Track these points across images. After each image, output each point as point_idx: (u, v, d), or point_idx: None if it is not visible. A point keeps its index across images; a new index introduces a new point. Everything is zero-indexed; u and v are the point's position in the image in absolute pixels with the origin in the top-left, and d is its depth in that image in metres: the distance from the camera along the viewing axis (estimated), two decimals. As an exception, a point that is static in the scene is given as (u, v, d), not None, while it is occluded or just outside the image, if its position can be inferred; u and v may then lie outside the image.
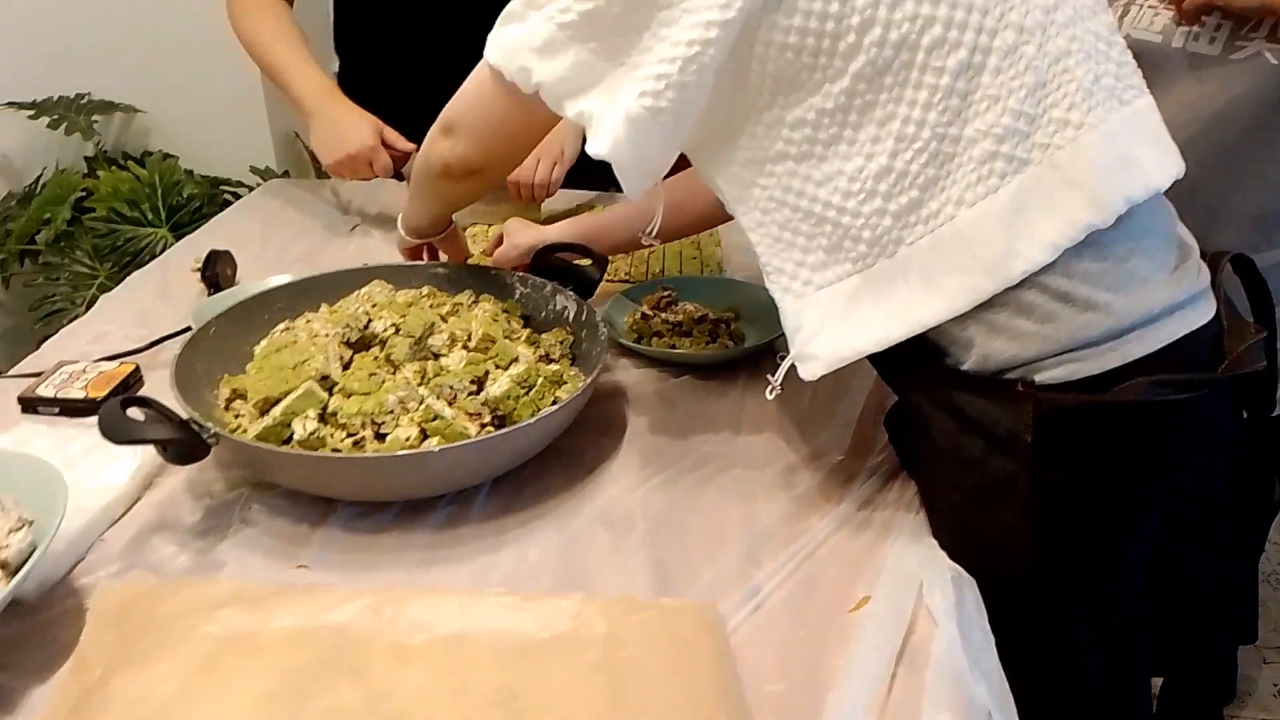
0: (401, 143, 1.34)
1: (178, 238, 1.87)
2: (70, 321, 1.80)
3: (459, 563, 0.80)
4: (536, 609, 0.69)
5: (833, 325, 0.76)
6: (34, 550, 0.68)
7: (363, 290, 0.97)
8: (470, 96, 0.88)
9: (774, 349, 1.08)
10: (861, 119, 0.72)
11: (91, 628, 0.68)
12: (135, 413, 0.78)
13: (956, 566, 0.77)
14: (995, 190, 0.71)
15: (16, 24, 2.12)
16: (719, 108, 0.75)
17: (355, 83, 1.49)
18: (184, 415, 0.78)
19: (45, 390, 1.00)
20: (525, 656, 0.65)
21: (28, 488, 0.73)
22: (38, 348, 1.15)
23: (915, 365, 0.81)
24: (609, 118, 0.76)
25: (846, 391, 1.03)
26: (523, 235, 1.14)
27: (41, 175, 2.14)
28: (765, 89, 0.73)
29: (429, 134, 0.94)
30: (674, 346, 1.08)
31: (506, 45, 0.80)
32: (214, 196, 2.02)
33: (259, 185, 2.04)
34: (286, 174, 2.23)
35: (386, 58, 1.52)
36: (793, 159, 0.75)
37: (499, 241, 1.17)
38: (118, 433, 0.74)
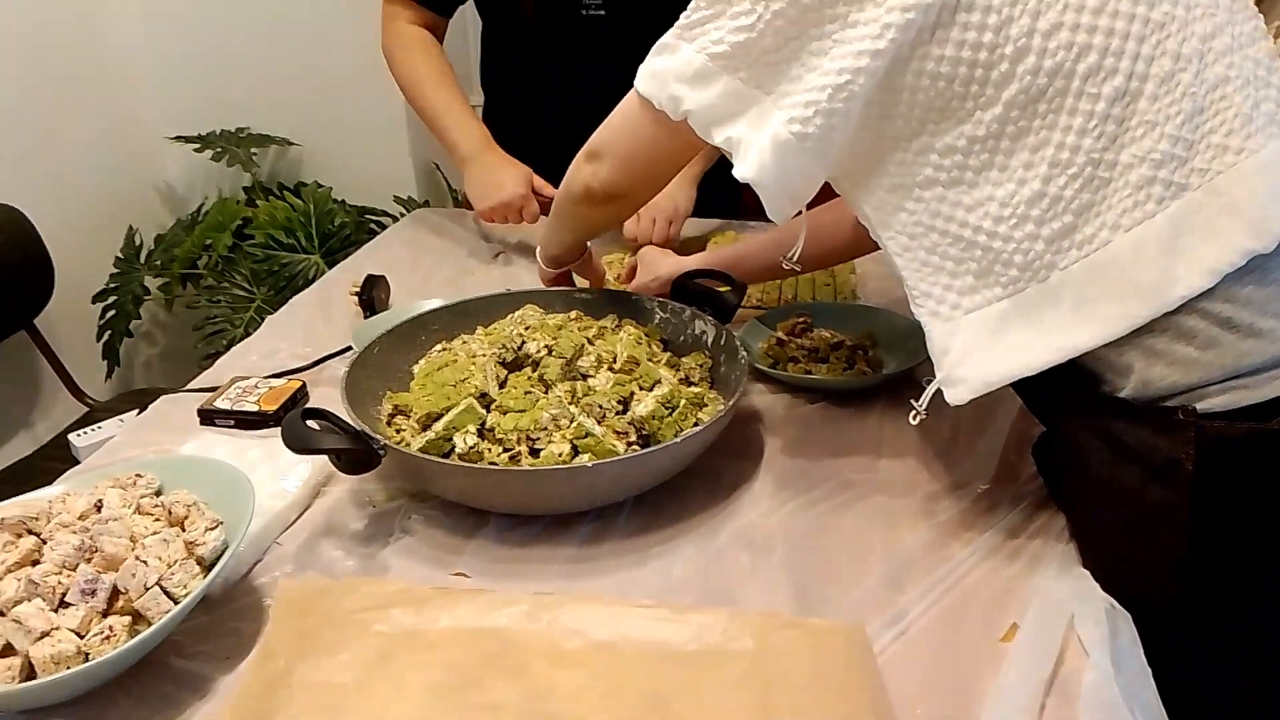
0: (549, 190, 1.40)
1: (329, 263, 1.99)
2: (229, 341, 1.94)
3: (604, 575, 0.83)
4: (685, 621, 0.71)
5: (981, 350, 0.76)
6: (226, 548, 0.74)
7: (516, 313, 1.02)
8: (618, 123, 0.93)
9: (913, 376, 1.08)
10: (1014, 145, 0.72)
11: (275, 621, 0.74)
12: (312, 425, 0.84)
13: (1110, 599, 0.76)
14: (1152, 215, 0.70)
15: (182, 63, 2.30)
16: (867, 135, 0.77)
17: (499, 117, 1.56)
18: (356, 428, 0.84)
19: (222, 403, 1.08)
20: (676, 665, 0.67)
21: (219, 491, 0.79)
22: (199, 365, 1.25)
23: (1069, 393, 0.80)
24: (756, 143, 0.78)
25: (990, 420, 1.02)
26: (662, 265, 1.17)
27: (203, 204, 2.30)
28: (915, 116, 0.74)
29: (574, 161, 0.98)
30: (809, 372, 1.09)
31: (658, 74, 0.84)
32: (361, 224, 2.13)
33: (401, 214, 2.15)
34: (427, 203, 2.34)
35: (530, 95, 1.59)
36: (942, 184, 0.75)
37: (632, 271, 1.21)
38: (299, 442, 0.80)
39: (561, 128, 1.36)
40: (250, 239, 2.02)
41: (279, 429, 1.02)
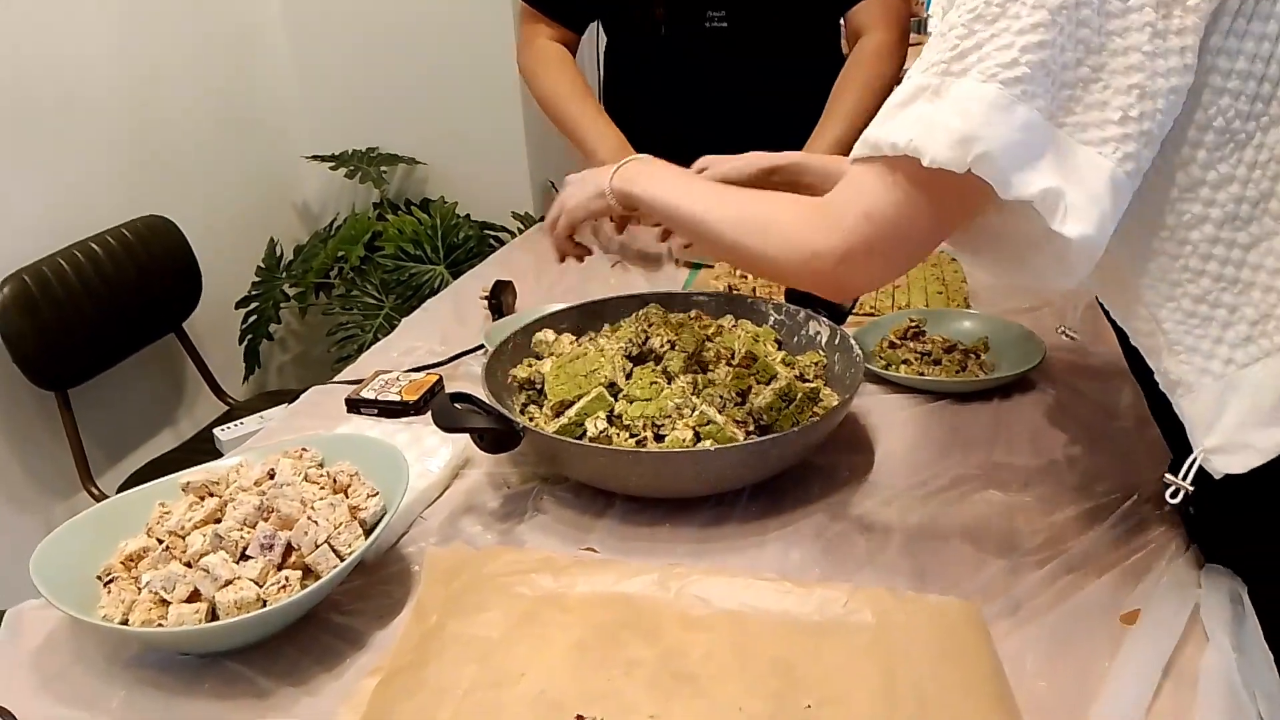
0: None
1: (453, 274, 2.10)
2: (359, 346, 2.05)
3: (727, 555, 0.87)
4: (808, 594, 0.75)
5: (1266, 408, 0.67)
6: (385, 513, 0.81)
7: (640, 312, 1.07)
8: (885, 212, 0.68)
9: (1028, 380, 1.10)
10: None
11: (426, 583, 0.81)
12: (459, 406, 0.91)
13: (1240, 583, 0.76)
14: None
15: (320, 88, 2.46)
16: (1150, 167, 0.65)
17: (624, 129, 1.63)
18: (499, 410, 0.90)
19: (367, 394, 1.16)
20: (800, 634, 0.71)
21: (375, 465, 0.87)
22: (331, 368, 1.33)
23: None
24: (1083, 194, 0.62)
25: (1113, 428, 1.03)
26: (765, 157, 1.11)
27: (336, 219, 2.44)
28: (1188, 139, 0.64)
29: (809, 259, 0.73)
30: (923, 374, 1.12)
31: (927, 124, 0.64)
32: (483, 238, 2.24)
33: (520, 229, 2.25)
34: (543, 218, 2.43)
35: (655, 106, 1.66)
36: (1213, 222, 0.66)
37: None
38: (448, 420, 0.87)
39: (685, 133, 1.42)
40: (380, 250, 2.14)
41: (420, 416, 1.12)
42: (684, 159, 1.07)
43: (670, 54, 1.60)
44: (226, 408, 2.12)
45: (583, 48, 1.69)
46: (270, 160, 2.42)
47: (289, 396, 1.36)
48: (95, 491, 1.82)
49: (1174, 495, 0.71)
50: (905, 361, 1.15)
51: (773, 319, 1.14)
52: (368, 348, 2.03)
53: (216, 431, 1.73)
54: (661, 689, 0.66)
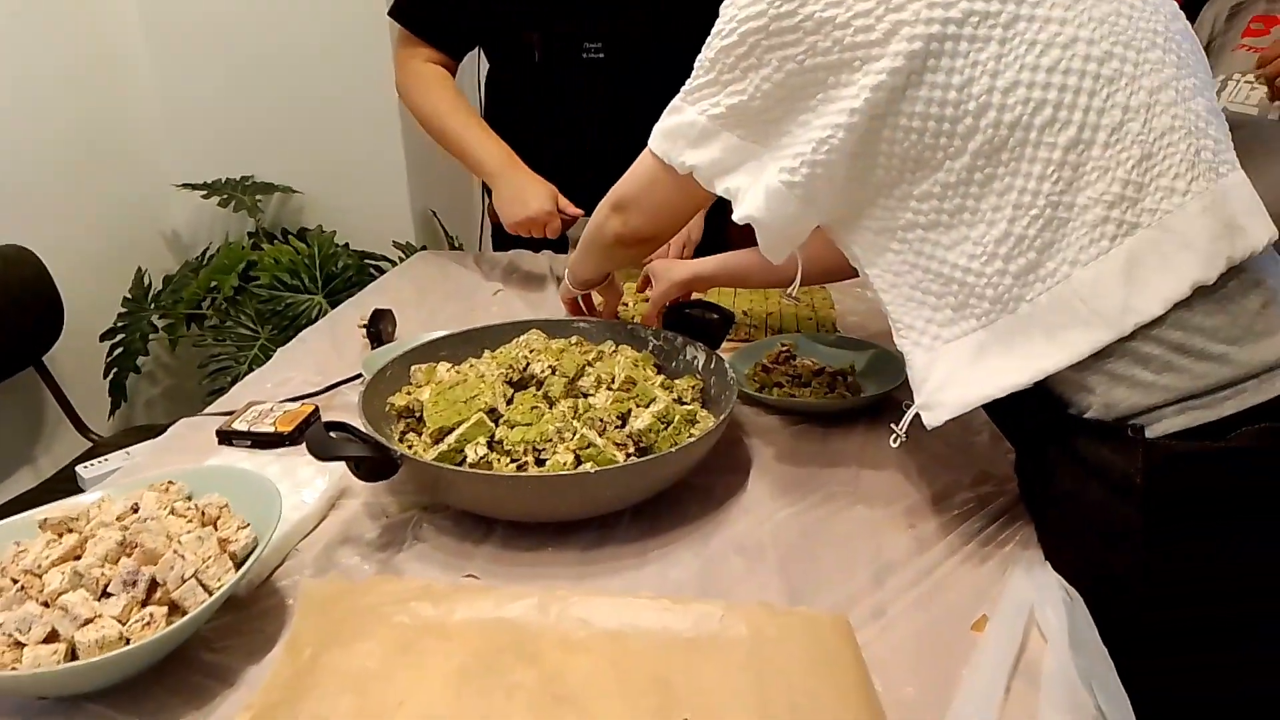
0: (572, 209, 1.49)
1: (332, 303, 2.06)
2: (233, 378, 1.99)
3: (607, 577, 0.88)
4: (685, 611, 0.77)
5: (960, 376, 0.83)
6: (256, 545, 0.80)
7: (521, 338, 1.08)
8: (638, 178, 1.02)
9: (891, 400, 1.15)
10: (982, 190, 0.79)
11: (300, 616, 0.79)
12: (334, 435, 0.89)
13: (1067, 586, 0.82)
14: (1107, 251, 0.77)
15: (190, 114, 2.39)
16: (853, 185, 0.84)
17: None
18: (376, 438, 0.89)
19: (240, 425, 1.13)
20: (677, 651, 0.73)
21: (248, 497, 0.85)
22: (203, 401, 1.30)
23: (1040, 415, 0.87)
24: (753, 191, 0.88)
25: (965, 444, 1.09)
26: (679, 270, 1.26)
27: (208, 249, 2.37)
28: (894, 167, 0.82)
29: (598, 209, 1.08)
30: (793, 396, 1.16)
31: (667, 134, 0.94)
32: (362, 268, 2.20)
33: (401, 258, 2.23)
34: (424, 248, 2.41)
35: (533, 130, 1.68)
36: (922, 227, 0.83)
37: (647, 282, 1.30)
38: (323, 450, 0.85)
39: (564, 158, 1.45)
40: (255, 281, 2.08)
41: (295, 447, 1.09)
42: (565, 181, 1.11)
43: (549, 83, 1.62)
44: (90, 444, 2.02)
45: (464, 74, 1.70)
46: (138, 189, 2.33)
47: (156, 431, 1.31)
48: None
49: (894, 441, 0.90)
50: (778, 384, 1.19)
51: (651, 344, 1.16)
52: (241, 379, 1.98)
53: (79, 469, 1.64)
54: (543, 712, 0.67)
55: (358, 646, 0.73)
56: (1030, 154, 0.77)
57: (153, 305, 2.18)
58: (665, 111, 0.95)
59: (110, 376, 2.14)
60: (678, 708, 0.67)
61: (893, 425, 0.91)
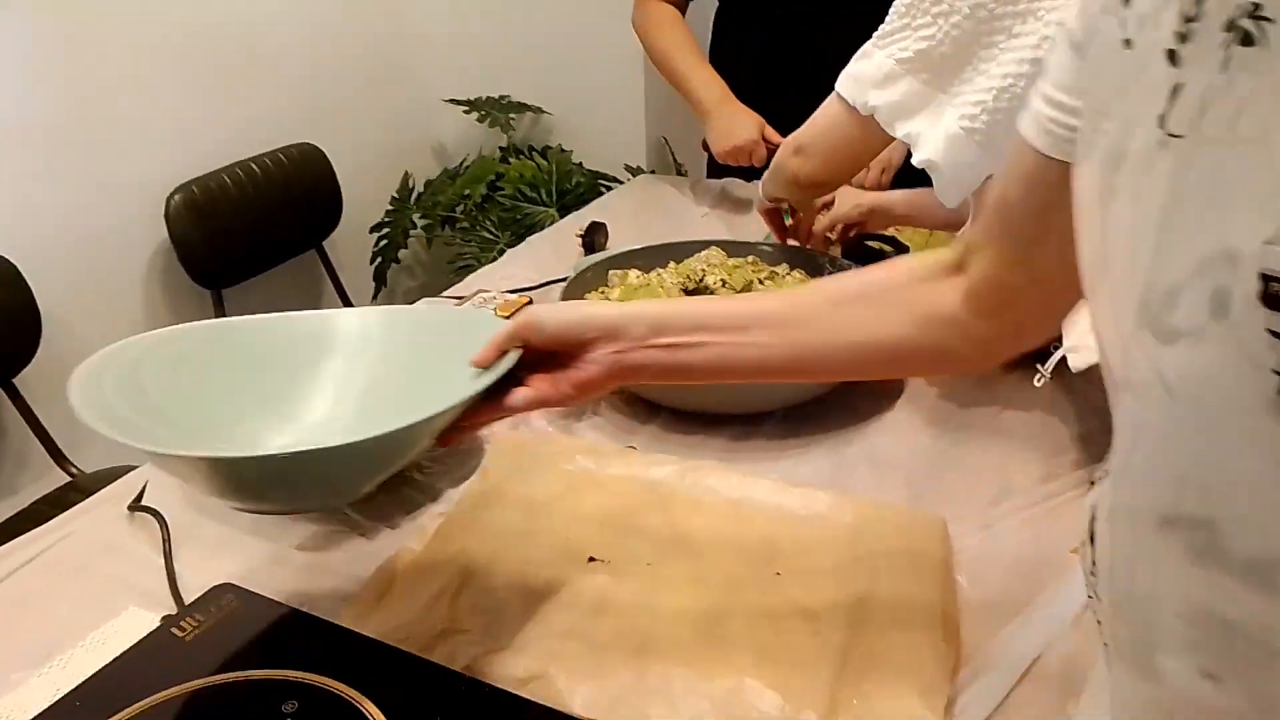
0: (777, 138, 1.61)
1: (563, 216, 2.27)
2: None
3: (745, 465, 1.01)
4: (800, 493, 0.89)
5: None
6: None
7: (702, 253, 1.22)
8: (820, 121, 1.11)
9: (1045, 349, 1.19)
10: None
11: (490, 456, 0.98)
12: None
13: None
14: None
15: (458, 37, 2.66)
16: None
17: (731, 82, 1.77)
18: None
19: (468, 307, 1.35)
20: (787, 521, 0.85)
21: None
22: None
23: None
24: (932, 135, 0.94)
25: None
26: (864, 197, 1.35)
27: (465, 159, 2.65)
28: None
29: (784, 145, 1.18)
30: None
31: (854, 77, 1.01)
32: (594, 186, 2.40)
33: (629, 180, 2.41)
34: (653, 171, 2.58)
35: (762, 61, 1.78)
36: None
37: (831, 202, 1.38)
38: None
39: (783, 93, 1.56)
40: (501, 191, 2.33)
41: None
42: (782, 115, 1.25)
43: (778, 20, 1.72)
44: (354, 322, 2.37)
45: (694, 14, 1.82)
46: (411, 101, 2.65)
47: None
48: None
49: (1038, 381, 0.95)
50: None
51: (828, 271, 1.26)
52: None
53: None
54: (662, 548, 0.82)
55: (533, 483, 0.91)
56: None
57: (414, 206, 2.49)
58: (855, 56, 1.02)
59: (375, 265, 2.47)
60: (774, 563, 0.80)
61: (1038, 366, 0.97)
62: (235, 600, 0.69)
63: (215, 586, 0.71)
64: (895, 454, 1.03)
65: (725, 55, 1.85)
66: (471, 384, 0.66)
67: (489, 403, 0.67)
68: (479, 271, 1.57)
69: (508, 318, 1.29)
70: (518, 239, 2.29)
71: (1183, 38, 0.41)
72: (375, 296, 2.56)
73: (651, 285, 1.14)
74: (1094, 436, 1.04)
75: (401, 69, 2.60)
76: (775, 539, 0.83)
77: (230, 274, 2.09)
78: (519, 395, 0.67)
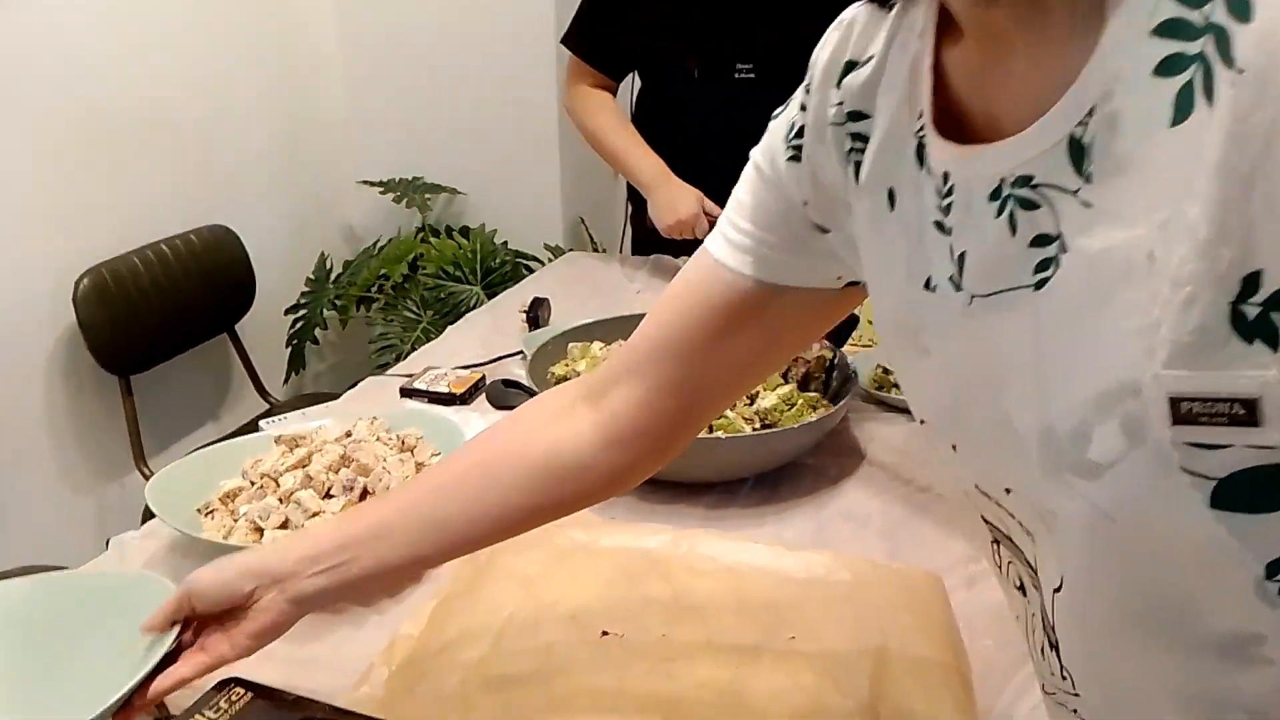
0: (717, 210, 1.65)
1: (488, 294, 2.26)
2: (397, 355, 2.21)
3: (730, 529, 1.01)
4: (797, 556, 0.89)
5: None
6: (444, 471, 0.96)
7: (666, 324, 1.23)
8: None
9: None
10: None
11: (475, 531, 0.95)
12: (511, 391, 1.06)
13: None
14: None
15: (370, 120, 2.66)
16: None
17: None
18: (542, 395, 1.06)
19: (419, 385, 1.32)
20: (788, 585, 0.86)
21: (435, 433, 1.02)
22: (371, 374, 1.47)
23: None
24: None
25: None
26: None
27: (378, 240, 2.62)
28: None
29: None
30: (911, 397, 1.27)
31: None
32: (516, 265, 2.41)
33: (549, 259, 2.42)
34: (571, 250, 2.60)
35: (683, 146, 1.84)
36: None
37: None
38: (501, 400, 1.02)
39: (712, 167, 1.62)
40: (422, 270, 2.31)
41: (465, 406, 1.27)
42: (709, 191, 1.25)
43: (700, 101, 1.79)
44: (268, 405, 2.28)
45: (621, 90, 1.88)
46: (325, 184, 2.61)
47: (325, 398, 1.51)
48: (147, 472, 1.97)
49: None
50: (896, 385, 1.30)
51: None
52: (404, 357, 2.19)
53: (262, 424, 1.88)
54: (672, 617, 0.81)
55: (526, 555, 0.89)
56: None
57: (331, 287, 2.43)
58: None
59: (290, 347, 2.40)
60: (785, 628, 0.80)
61: None
62: (247, 695, 0.64)
63: (221, 681, 0.66)
64: (869, 508, 1.05)
65: (652, 132, 1.91)
66: (139, 663, 0.64)
67: (158, 677, 0.65)
68: (421, 350, 1.54)
69: (462, 394, 1.29)
70: (441, 318, 2.26)
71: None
72: (287, 379, 2.48)
73: (620, 356, 1.14)
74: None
75: (312, 150, 2.57)
76: (779, 604, 0.83)
77: (139, 359, 1.99)
78: (193, 663, 0.66)
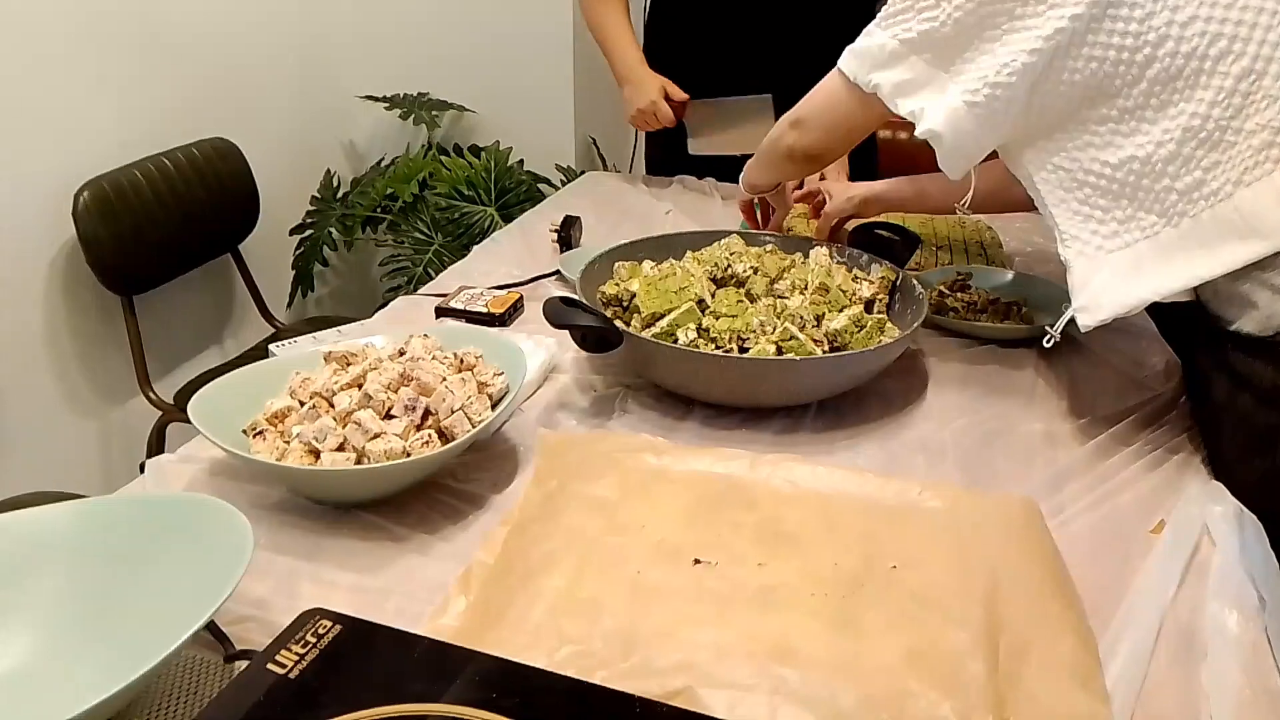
0: (678, 94, 1.64)
1: (503, 217, 2.18)
2: (409, 279, 2.14)
3: (802, 457, 0.97)
4: (885, 482, 0.85)
5: (1118, 282, 0.92)
6: (509, 390, 0.91)
7: (723, 241, 1.17)
8: (820, 97, 1.11)
9: (1064, 333, 1.20)
10: (1156, 115, 0.88)
11: (541, 456, 0.90)
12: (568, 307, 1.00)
13: (1240, 504, 0.87)
14: (1270, 173, 0.84)
15: (372, 32, 2.53)
16: (1032, 109, 0.93)
17: (664, 46, 1.78)
18: (603, 313, 1.00)
19: (456, 304, 1.26)
20: (880, 513, 0.81)
21: (494, 353, 0.96)
22: (382, 298, 1.41)
23: (1200, 331, 0.95)
24: (934, 110, 0.97)
25: (1138, 371, 1.14)
26: (855, 188, 1.34)
27: (383, 159, 2.52)
28: (1074, 95, 0.91)
29: (779, 123, 1.16)
30: (967, 321, 1.22)
31: (858, 55, 1.03)
32: (533, 186, 2.32)
33: (563, 181, 2.34)
34: (584, 172, 2.52)
35: (690, 55, 1.76)
36: (1095, 148, 0.92)
37: (822, 202, 1.38)
38: (560, 317, 0.96)
39: (722, 70, 1.65)
40: (433, 190, 2.22)
41: (505, 327, 1.21)
42: (717, 90, 1.37)
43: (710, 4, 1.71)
44: (273, 330, 2.21)
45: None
46: (331, 98, 2.50)
47: (334, 322, 1.44)
48: (153, 396, 1.90)
49: (1048, 342, 0.99)
50: (953, 310, 1.25)
51: (836, 260, 1.24)
52: (417, 280, 2.12)
53: (272, 347, 1.81)
54: (765, 544, 0.76)
55: (599, 482, 0.84)
56: (1204, 82, 0.85)
57: (338, 205, 2.34)
58: (861, 35, 1.03)
59: (296, 269, 2.31)
60: (885, 556, 0.76)
61: (1047, 326, 1.00)
62: (336, 628, 0.59)
63: (305, 613, 0.61)
64: (941, 439, 1.01)
65: (661, 35, 1.82)
66: (215, 590, 0.63)
67: None
68: (451, 269, 1.47)
69: (500, 314, 1.23)
70: (454, 240, 2.19)
71: None
72: (290, 303, 2.40)
73: (678, 275, 1.08)
74: (1122, 414, 1.04)
75: (317, 63, 2.45)
76: (875, 531, 0.79)
77: (142, 279, 1.90)
78: None
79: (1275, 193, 0.84)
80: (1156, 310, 0.94)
